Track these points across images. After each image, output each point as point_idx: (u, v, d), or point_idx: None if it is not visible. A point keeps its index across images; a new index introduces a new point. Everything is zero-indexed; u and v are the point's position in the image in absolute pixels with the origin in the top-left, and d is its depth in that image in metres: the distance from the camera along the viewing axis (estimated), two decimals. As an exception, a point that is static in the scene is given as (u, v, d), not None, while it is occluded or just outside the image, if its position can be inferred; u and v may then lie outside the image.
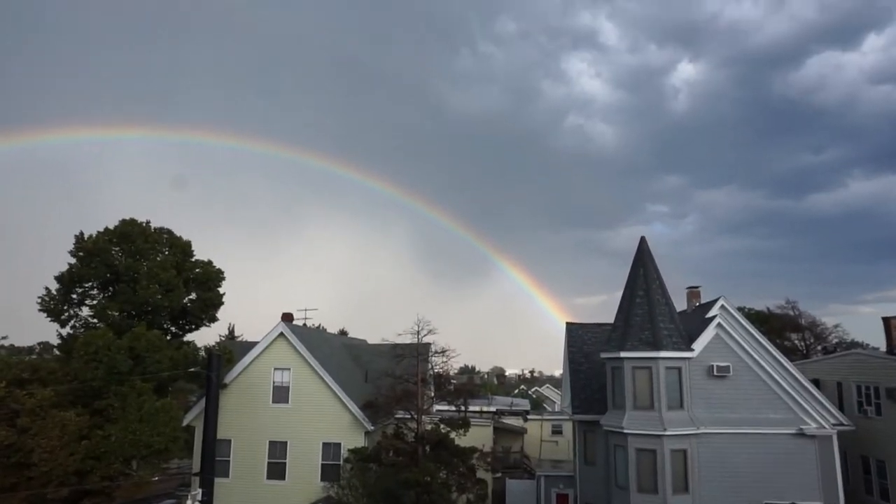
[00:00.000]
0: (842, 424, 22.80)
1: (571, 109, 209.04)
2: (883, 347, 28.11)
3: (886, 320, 27.36)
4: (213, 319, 27.73)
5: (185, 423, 25.11)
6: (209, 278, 27.05)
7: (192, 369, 23.38)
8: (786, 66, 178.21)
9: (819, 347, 51.34)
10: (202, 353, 25.16)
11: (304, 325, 32.49)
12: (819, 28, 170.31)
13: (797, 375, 23.10)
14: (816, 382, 26.66)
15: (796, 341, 53.11)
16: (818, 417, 22.60)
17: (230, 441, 25.71)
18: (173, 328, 26.90)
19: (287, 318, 29.26)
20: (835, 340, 52.21)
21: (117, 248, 25.33)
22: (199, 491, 18.00)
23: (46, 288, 24.83)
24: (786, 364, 23.33)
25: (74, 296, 25.08)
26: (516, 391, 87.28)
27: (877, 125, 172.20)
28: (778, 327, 51.78)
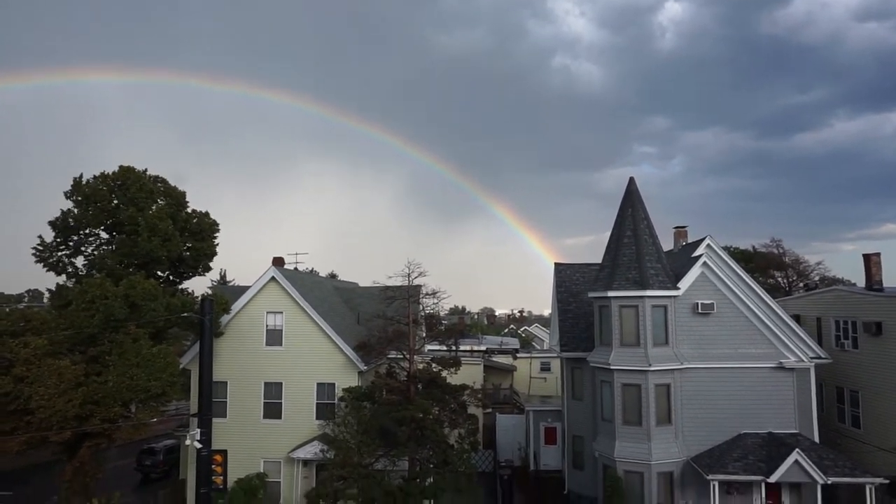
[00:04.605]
0: (819, 358, 23.59)
1: (558, 49, 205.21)
2: (863, 284, 28.78)
3: (867, 257, 27.90)
4: (207, 269, 27.97)
5: (181, 366, 25.53)
6: (204, 229, 27.08)
7: (186, 314, 23.64)
8: (772, 4, 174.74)
9: (801, 284, 52.42)
10: (197, 300, 25.39)
11: (296, 269, 32.65)
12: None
13: (779, 311, 23.70)
14: (797, 318, 27.39)
15: (779, 279, 54.21)
16: (797, 351, 23.35)
17: (226, 383, 26.25)
18: (170, 277, 27.08)
19: (278, 262, 29.38)
20: (817, 277, 53.31)
21: (114, 195, 25.18)
22: (198, 431, 18.58)
23: (40, 237, 24.72)
24: (768, 301, 23.89)
25: (71, 243, 25.01)
26: (506, 331, 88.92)
27: (863, 62, 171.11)
28: (762, 265, 52.71)
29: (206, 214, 27.53)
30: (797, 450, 20.55)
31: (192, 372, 25.97)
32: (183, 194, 27.25)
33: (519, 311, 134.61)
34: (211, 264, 28.07)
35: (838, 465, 21.11)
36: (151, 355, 22.42)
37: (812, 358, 23.42)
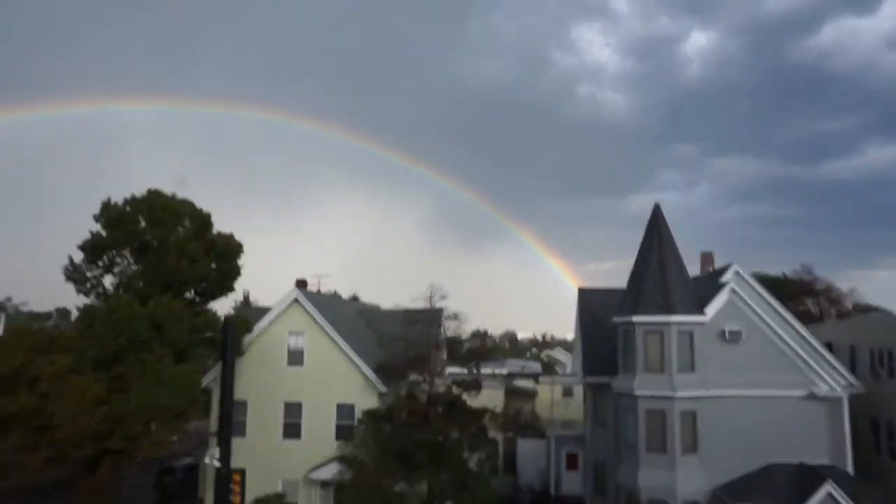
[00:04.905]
0: (853, 387, 22.84)
1: (582, 78, 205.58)
2: (898, 311, 27.91)
3: (902, 284, 27.10)
4: (231, 289, 28.28)
5: (203, 385, 25.68)
6: (230, 251, 27.44)
7: (209, 334, 23.87)
8: (800, 33, 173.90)
9: (833, 312, 51.09)
10: (221, 320, 25.65)
11: (318, 291, 32.83)
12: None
13: (809, 339, 23.07)
14: (829, 346, 26.60)
15: (810, 306, 52.86)
16: (829, 380, 22.64)
17: (246, 402, 26.30)
18: (195, 297, 27.42)
19: (301, 284, 29.57)
20: (850, 305, 51.90)
21: (142, 217, 25.70)
22: (216, 449, 18.61)
23: (70, 257, 25.28)
24: (798, 328, 23.29)
25: (100, 263, 25.51)
26: (528, 354, 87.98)
27: (892, 91, 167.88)
28: (793, 292, 51.45)
29: (232, 236, 27.89)
30: (829, 480, 19.77)
31: (213, 391, 26.09)
32: (208, 216, 27.64)
33: (541, 335, 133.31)
34: (235, 285, 28.37)
35: (873, 497, 20.27)
36: (174, 375, 22.60)
37: (845, 387, 22.68)
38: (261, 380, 26.53)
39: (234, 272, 27.86)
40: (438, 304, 26.18)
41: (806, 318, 43.16)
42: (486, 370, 39.81)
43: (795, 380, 22.75)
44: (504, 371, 47.80)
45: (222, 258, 27.29)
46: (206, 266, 26.32)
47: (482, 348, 44.27)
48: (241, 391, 25.29)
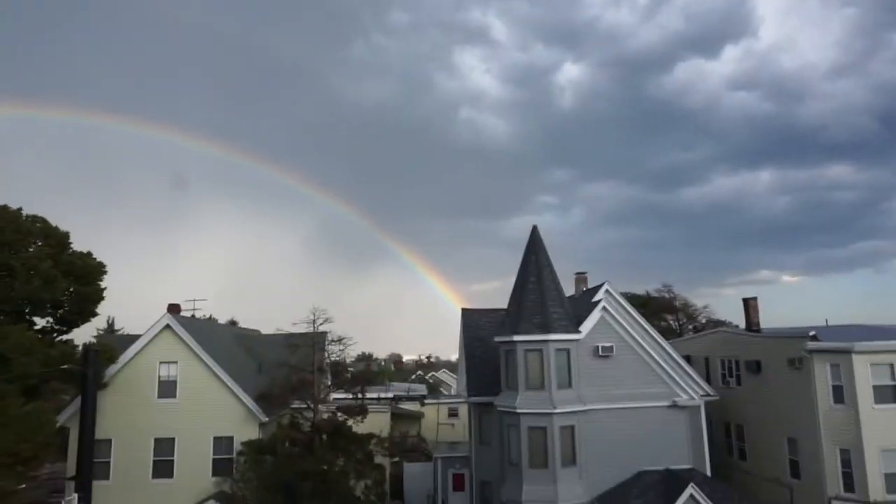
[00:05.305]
0: (708, 395, 25.04)
1: (464, 102, 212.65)
2: (743, 325, 31.15)
3: (746, 301, 30.34)
4: (93, 315, 25.83)
5: (58, 424, 23.23)
6: (89, 271, 25.06)
7: (66, 366, 21.66)
8: (657, 71, 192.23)
9: (691, 327, 55.97)
10: (79, 350, 23.38)
11: (193, 316, 31.00)
12: (685, 37, 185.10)
13: (671, 353, 25.06)
14: (688, 358, 29.09)
15: (671, 321, 57.58)
16: (689, 390, 24.68)
17: (110, 441, 24.13)
18: (50, 325, 24.75)
19: (174, 309, 27.77)
20: (704, 320, 57.16)
21: None
22: (74, 496, 16.87)
23: None
24: (662, 343, 25.23)
25: None
26: (413, 377, 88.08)
27: (735, 127, 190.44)
28: (656, 309, 55.81)
29: (90, 254, 25.52)
30: (691, 484, 21.48)
31: (71, 430, 23.67)
32: (66, 235, 25.13)
33: (426, 357, 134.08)
34: (98, 310, 25.99)
35: (728, 496, 22.25)
36: (23, 414, 20.21)
37: (702, 396, 24.80)
38: (127, 415, 24.44)
39: (96, 295, 25.43)
40: (322, 328, 25.65)
41: (668, 333, 46.94)
42: (371, 394, 39.46)
43: (661, 391, 24.58)
44: (390, 395, 47.57)
45: (81, 280, 24.91)
46: (63, 289, 23.91)
47: (367, 372, 43.88)
48: (103, 429, 23.29)
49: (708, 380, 28.18)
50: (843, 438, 23.13)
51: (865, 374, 23.01)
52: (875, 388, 22.98)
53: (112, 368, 24.35)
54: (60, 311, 24.65)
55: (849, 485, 22.93)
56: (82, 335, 27.11)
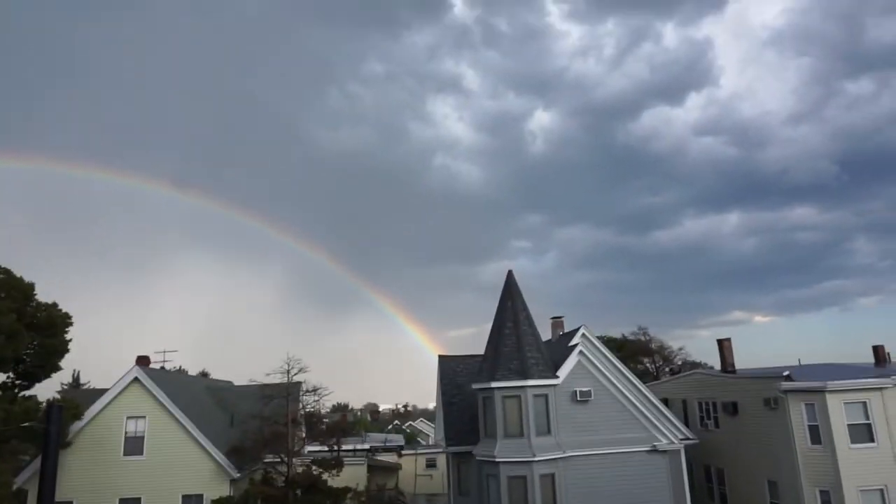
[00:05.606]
0: (688, 438, 24.94)
1: (438, 150, 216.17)
2: (718, 366, 31.33)
3: (720, 342, 30.60)
4: (57, 368, 24.89)
5: (15, 486, 22.10)
6: (53, 323, 24.28)
7: (27, 424, 20.74)
8: (625, 118, 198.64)
9: (667, 369, 56.09)
10: (42, 406, 22.45)
11: (163, 368, 30.14)
12: (651, 86, 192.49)
13: (649, 396, 25.02)
14: (666, 401, 29.04)
15: (647, 364, 57.71)
16: (668, 434, 24.57)
17: (72, 502, 22.99)
18: (10, 380, 23.76)
19: (143, 361, 26.99)
20: (680, 362, 57.39)
21: None
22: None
23: None
24: (639, 386, 25.21)
25: None
26: (390, 427, 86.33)
27: (702, 171, 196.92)
28: (632, 352, 55.98)
29: (55, 305, 24.79)
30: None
31: (29, 492, 22.52)
32: (31, 286, 24.40)
33: (403, 406, 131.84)
34: (62, 364, 25.04)
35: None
36: (-22, 475, 19.25)
37: (681, 439, 24.69)
38: (91, 475, 23.41)
39: (61, 347, 24.47)
40: (296, 378, 25.10)
41: (644, 376, 46.99)
42: (347, 446, 38.51)
43: (640, 436, 24.41)
44: (366, 446, 46.51)
45: (45, 331, 24.08)
46: (26, 342, 23.07)
47: (343, 423, 42.90)
48: (65, 490, 22.18)
49: (686, 422, 28.11)
50: (822, 479, 23.10)
51: (840, 412, 23.19)
52: (850, 426, 23.12)
53: (76, 425, 23.43)
54: (22, 366, 23.77)
55: (830, 526, 22.79)
56: (46, 390, 26.12)
